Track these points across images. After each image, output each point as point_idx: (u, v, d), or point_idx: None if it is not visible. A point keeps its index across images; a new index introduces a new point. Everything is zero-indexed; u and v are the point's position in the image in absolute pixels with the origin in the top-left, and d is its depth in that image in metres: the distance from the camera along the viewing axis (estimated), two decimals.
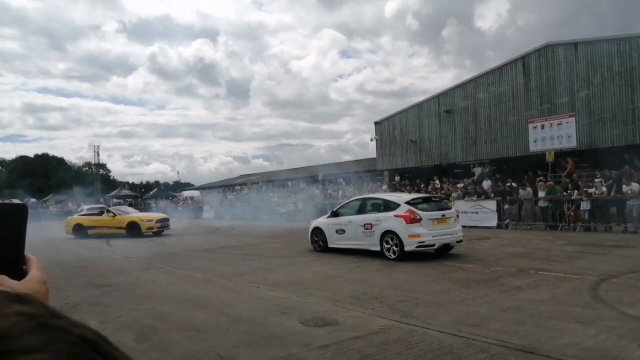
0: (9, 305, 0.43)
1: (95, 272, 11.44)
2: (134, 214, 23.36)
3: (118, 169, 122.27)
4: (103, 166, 79.39)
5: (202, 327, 6.35)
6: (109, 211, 23.43)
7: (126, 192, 59.65)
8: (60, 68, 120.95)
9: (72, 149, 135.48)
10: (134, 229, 21.36)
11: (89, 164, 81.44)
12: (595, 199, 16.85)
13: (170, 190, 66.58)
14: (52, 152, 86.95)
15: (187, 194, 52.92)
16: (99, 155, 63.91)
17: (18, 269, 0.75)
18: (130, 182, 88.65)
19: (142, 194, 64.12)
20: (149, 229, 21.52)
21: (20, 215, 0.76)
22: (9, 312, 0.41)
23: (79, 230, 22.02)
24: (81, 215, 24.64)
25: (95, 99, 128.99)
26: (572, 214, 17.36)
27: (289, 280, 9.53)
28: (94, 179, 63.12)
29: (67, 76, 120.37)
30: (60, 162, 79.99)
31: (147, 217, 22.88)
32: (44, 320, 0.41)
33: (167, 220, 22.71)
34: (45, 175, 71.17)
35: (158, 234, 21.75)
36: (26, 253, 0.78)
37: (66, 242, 19.79)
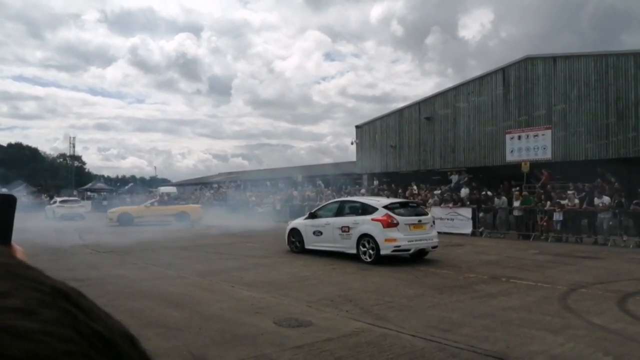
0: None
1: (67, 266, 11.22)
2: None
3: (93, 162, 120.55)
4: (78, 158, 77.98)
5: (174, 325, 6.28)
6: None
7: (101, 185, 58.70)
8: (37, 56, 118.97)
9: (47, 139, 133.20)
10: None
11: (63, 155, 79.98)
12: (568, 210, 17.22)
13: (146, 185, 65.70)
14: (25, 142, 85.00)
15: (163, 189, 52.23)
16: (74, 146, 62.87)
17: None
18: (106, 175, 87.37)
19: (117, 187, 63.13)
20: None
21: (7, 206, 0.75)
22: None
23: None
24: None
25: (73, 89, 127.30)
26: (545, 224, 17.70)
27: (264, 280, 9.50)
28: (68, 170, 61.94)
29: (44, 64, 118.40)
30: (33, 152, 78.30)
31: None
32: (13, 269, 0.40)
33: None
34: (17, 164, 69.53)
35: None
36: (13, 243, 0.77)
37: (40, 233, 19.37)
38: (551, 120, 22.49)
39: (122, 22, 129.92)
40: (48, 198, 38.61)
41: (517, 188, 20.23)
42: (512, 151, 23.83)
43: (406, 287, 8.88)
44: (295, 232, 13.90)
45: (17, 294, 0.36)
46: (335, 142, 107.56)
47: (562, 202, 17.55)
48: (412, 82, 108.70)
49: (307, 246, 13.40)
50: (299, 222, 14.08)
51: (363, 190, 27.72)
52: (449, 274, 10.28)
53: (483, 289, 8.66)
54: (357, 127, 32.77)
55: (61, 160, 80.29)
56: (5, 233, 0.76)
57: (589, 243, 16.25)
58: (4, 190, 45.96)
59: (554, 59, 22.74)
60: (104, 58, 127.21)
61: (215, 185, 43.28)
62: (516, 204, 18.85)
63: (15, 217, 0.78)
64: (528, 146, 23.23)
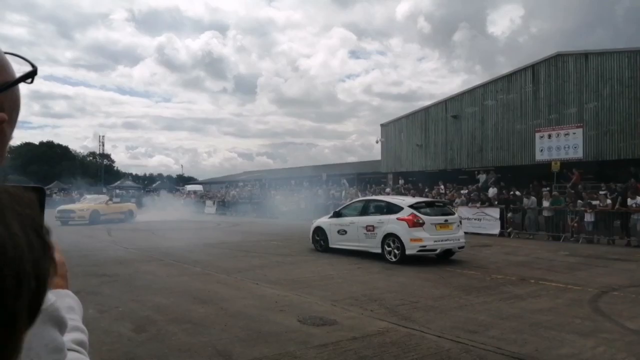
0: None
1: (95, 261, 11.46)
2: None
3: (121, 160, 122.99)
4: (107, 156, 79.71)
5: (200, 321, 6.34)
6: None
7: (129, 182, 59.81)
8: (67, 56, 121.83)
9: (76, 138, 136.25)
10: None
11: (92, 154, 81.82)
12: (599, 211, 16.76)
13: (173, 183, 66.71)
14: (56, 140, 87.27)
15: (190, 187, 53.01)
16: (103, 145, 64.21)
17: None
18: (134, 173, 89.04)
19: (145, 185, 64.27)
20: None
21: (38, 197, 0.75)
22: None
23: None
24: None
25: (101, 88, 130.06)
26: (575, 225, 17.28)
27: (288, 278, 9.52)
28: (98, 168, 63.30)
29: (74, 64, 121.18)
30: (64, 150, 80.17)
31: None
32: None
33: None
34: (49, 162, 71.36)
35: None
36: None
37: (65, 231, 19.85)
38: (582, 119, 21.95)
39: (149, 22, 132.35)
40: (78, 195, 39.46)
41: (547, 188, 19.79)
42: (541, 150, 23.34)
43: (432, 287, 8.77)
44: (319, 231, 13.89)
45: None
46: (360, 141, 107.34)
47: (594, 202, 17.10)
48: (439, 79, 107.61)
49: (332, 245, 13.37)
50: (324, 221, 14.06)
51: (388, 190, 27.53)
52: (476, 275, 10.11)
53: (511, 290, 8.49)
54: (382, 125, 32.59)
55: (91, 158, 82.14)
56: None
57: (621, 245, 15.79)
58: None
59: (586, 55, 22.18)
60: (131, 57, 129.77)
61: (241, 184, 43.63)
62: (546, 204, 18.44)
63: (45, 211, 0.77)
64: (558, 145, 22.72)
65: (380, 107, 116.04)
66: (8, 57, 0.73)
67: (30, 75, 0.73)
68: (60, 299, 0.62)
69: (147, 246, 14.78)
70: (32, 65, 0.75)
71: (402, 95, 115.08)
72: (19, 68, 0.75)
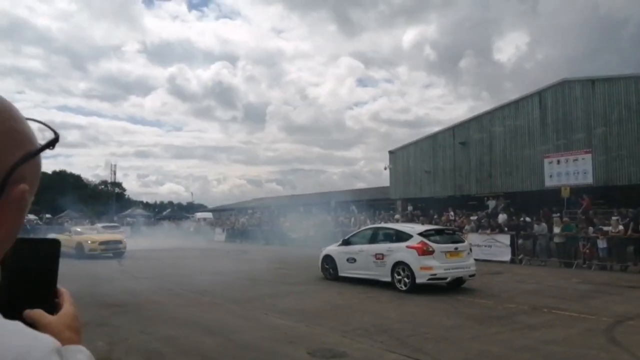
0: None
1: (105, 291, 11.46)
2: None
3: (133, 188, 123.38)
4: (118, 184, 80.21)
5: (209, 353, 6.30)
6: None
7: (140, 211, 60.07)
8: (80, 87, 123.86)
9: (89, 167, 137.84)
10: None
11: (104, 182, 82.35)
12: (612, 237, 16.56)
13: (183, 211, 66.90)
14: (69, 169, 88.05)
15: (199, 215, 53.10)
16: (115, 173, 64.72)
17: (51, 303, 0.77)
18: (145, 201, 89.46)
19: (156, 213, 64.49)
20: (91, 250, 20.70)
21: (53, 249, 0.79)
22: None
23: None
24: None
25: (113, 118, 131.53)
26: (588, 251, 17.06)
27: (297, 308, 9.45)
28: (109, 197, 63.74)
29: (87, 95, 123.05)
30: (76, 179, 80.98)
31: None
32: None
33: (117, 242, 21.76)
34: (61, 191, 71.97)
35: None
36: (58, 286, 0.80)
37: (78, 260, 19.91)
38: (591, 144, 21.90)
39: (160, 53, 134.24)
40: (89, 224, 39.68)
41: (558, 214, 19.62)
42: (551, 176, 23.23)
43: (443, 317, 8.67)
44: (328, 259, 13.83)
45: None
46: (368, 167, 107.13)
47: (606, 228, 16.91)
48: (446, 106, 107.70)
49: (341, 273, 13.28)
50: (333, 249, 14.01)
51: (397, 216, 27.43)
52: (488, 303, 9.98)
53: (523, 320, 8.36)
54: (390, 152, 32.68)
55: (102, 186, 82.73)
56: (52, 277, 0.79)
57: (635, 272, 15.53)
58: (48, 217, 47.55)
59: (593, 81, 22.26)
60: (143, 87, 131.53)
61: (250, 211, 43.69)
62: (557, 230, 18.26)
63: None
64: (568, 171, 22.62)
65: (388, 133, 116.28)
66: (30, 123, 0.76)
67: (52, 143, 0.76)
68: (72, 355, 0.64)
69: (156, 274, 14.77)
70: (55, 132, 0.77)
71: (409, 122, 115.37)
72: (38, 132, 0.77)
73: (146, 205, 79.02)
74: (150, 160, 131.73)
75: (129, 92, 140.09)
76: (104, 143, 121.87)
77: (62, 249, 0.80)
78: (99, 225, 33.02)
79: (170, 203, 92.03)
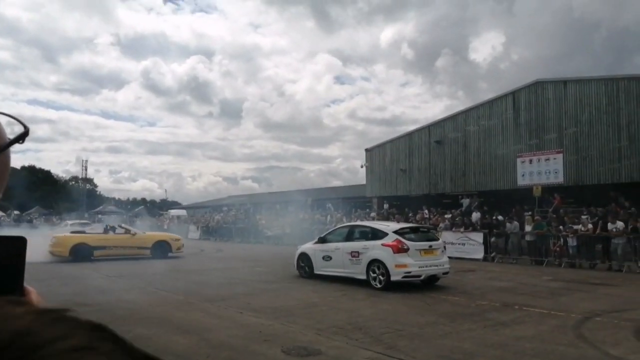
0: (14, 307, 0.45)
1: (75, 291, 11.22)
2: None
3: (104, 184, 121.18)
4: (90, 180, 78.80)
5: (182, 352, 6.22)
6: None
7: (112, 207, 59.02)
8: (51, 80, 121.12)
9: (59, 162, 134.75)
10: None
11: (75, 178, 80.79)
12: (581, 235, 16.96)
13: (156, 208, 66.04)
14: (38, 164, 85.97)
15: (173, 212, 52.50)
16: (86, 169, 63.50)
17: None
18: (117, 197, 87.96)
19: (128, 210, 63.45)
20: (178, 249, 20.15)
21: (19, 247, 0.75)
22: (20, 312, 0.44)
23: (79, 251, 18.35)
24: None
25: (85, 112, 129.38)
26: (558, 249, 17.44)
27: (272, 306, 9.42)
28: (80, 193, 62.47)
29: (58, 88, 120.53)
30: (46, 174, 79.11)
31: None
32: (55, 315, 0.45)
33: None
34: (30, 187, 70.26)
35: None
36: (25, 285, 0.77)
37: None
38: (562, 144, 22.37)
39: (134, 46, 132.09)
40: (59, 221, 38.87)
41: (529, 212, 20.02)
42: (523, 175, 23.66)
43: (417, 314, 8.75)
44: (304, 257, 13.81)
45: (71, 334, 0.42)
46: (345, 165, 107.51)
47: (575, 227, 17.31)
48: (422, 105, 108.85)
49: (317, 271, 13.29)
50: (308, 247, 14.00)
51: (373, 214, 27.59)
52: (461, 301, 10.12)
53: (495, 317, 8.50)
54: (366, 150, 32.82)
55: (73, 182, 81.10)
56: (18, 276, 0.75)
57: (603, 269, 15.95)
58: (16, 213, 46.39)
59: (565, 82, 22.74)
60: (116, 81, 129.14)
61: (225, 208, 43.36)
62: (528, 228, 18.62)
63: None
64: (539, 170, 23.07)
65: (364, 131, 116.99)
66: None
67: (22, 137, 0.73)
68: None
69: (128, 273, 14.53)
70: (24, 126, 0.74)
71: (386, 120, 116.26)
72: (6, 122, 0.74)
73: (118, 202, 77.65)
74: (123, 156, 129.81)
75: (102, 85, 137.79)
76: (75, 138, 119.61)
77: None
78: (69, 222, 32.36)
79: (144, 200, 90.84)
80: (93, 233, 20.65)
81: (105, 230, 20.46)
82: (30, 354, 0.39)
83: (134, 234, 20.15)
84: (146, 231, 22.43)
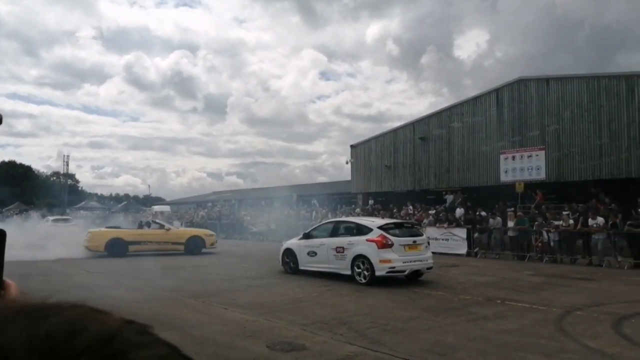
0: (101, 314, 0.49)
1: (58, 287, 11.08)
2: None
3: (87, 180, 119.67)
4: (71, 176, 77.65)
5: None
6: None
7: (94, 203, 58.35)
8: (32, 74, 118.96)
9: (40, 157, 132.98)
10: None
11: (56, 173, 79.53)
12: (562, 231, 17.23)
13: (139, 204, 65.41)
14: (18, 160, 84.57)
15: (157, 208, 51.99)
16: (67, 164, 62.50)
17: None
18: (99, 193, 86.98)
19: (111, 205, 62.75)
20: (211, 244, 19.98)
21: None
22: (109, 318, 0.48)
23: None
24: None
25: (67, 107, 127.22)
26: (540, 244, 17.70)
27: (257, 302, 9.41)
28: (62, 188, 61.61)
29: (39, 82, 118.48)
30: (26, 170, 77.88)
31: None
32: (139, 326, 0.48)
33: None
34: (10, 182, 69.08)
35: None
36: (5, 279, 0.76)
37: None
38: (545, 141, 22.66)
39: (117, 40, 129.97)
40: (40, 216, 38.26)
41: (512, 208, 20.27)
42: (506, 171, 23.92)
43: (401, 309, 8.82)
44: (289, 253, 13.82)
45: (156, 344, 0.47)
46: (330, 161, 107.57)
47: (557, 222, 17.58)
48: (407, 101, 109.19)
49: (302, 267, 13.31)
50: (293, 243, 14.01)
51: (358, 210, 27.69)
52: (444, 295, 10.22)
53: (478, 311, 8.60)
54: (352, 146, 32.88)
55: (54, 178, 79.87)
56: None
57: (583, 264, 16.23)
58: None
59: (547, 80, 23.01)
60: (98, 76, 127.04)
61: (210, 204, 43.14)
62: (511, 224, 18.85)
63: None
64: (522, 166, 23.35)
65: (350, 128, 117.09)
66: None
67: None
68: None
69: (112, 269, 14.40)
70: None
71: (371, 117, 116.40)
72: None
73: (101, 198, 76.78)
74: (106, 151, 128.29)
75: (84, 80, 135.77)
76: (56, 133, 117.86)
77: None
78: (50, 218, 31.94)
79: (127, 196, 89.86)
80: (128, 228, 20.60)
81: (140, 226, 20.42)
82: (121, 356, 0.43)
83: (168, 230, 20.09)
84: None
